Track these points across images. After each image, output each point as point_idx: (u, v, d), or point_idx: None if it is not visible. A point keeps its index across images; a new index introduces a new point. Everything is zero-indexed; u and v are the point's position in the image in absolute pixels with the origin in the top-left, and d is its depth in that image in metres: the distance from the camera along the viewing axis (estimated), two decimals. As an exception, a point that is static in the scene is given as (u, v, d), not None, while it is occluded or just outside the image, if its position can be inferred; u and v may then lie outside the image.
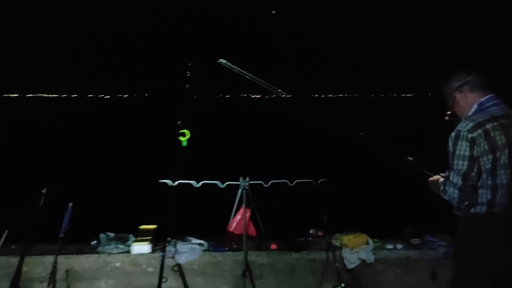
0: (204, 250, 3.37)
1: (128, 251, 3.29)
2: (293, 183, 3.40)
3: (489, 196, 2.12)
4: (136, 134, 20.99)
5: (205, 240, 3.46)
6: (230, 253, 3.36)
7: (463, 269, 2.25)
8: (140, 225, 3.49)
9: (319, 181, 3.43)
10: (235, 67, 2.45)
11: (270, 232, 3.48)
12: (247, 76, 2.51)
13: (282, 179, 3.35)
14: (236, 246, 3.39)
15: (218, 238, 3.52)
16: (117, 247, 3.31)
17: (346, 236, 3.44)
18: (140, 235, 3.39)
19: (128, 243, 3.36)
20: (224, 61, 2.44)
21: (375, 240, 3.48)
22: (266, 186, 3.33)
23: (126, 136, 20.24)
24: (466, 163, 2.13)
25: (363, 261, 3.30)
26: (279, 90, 2.55)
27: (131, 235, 3.48)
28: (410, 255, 3.36)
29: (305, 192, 3.41)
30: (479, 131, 2.11)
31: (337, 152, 12.33)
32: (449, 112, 2.38)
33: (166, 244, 3.18)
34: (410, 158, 2.50)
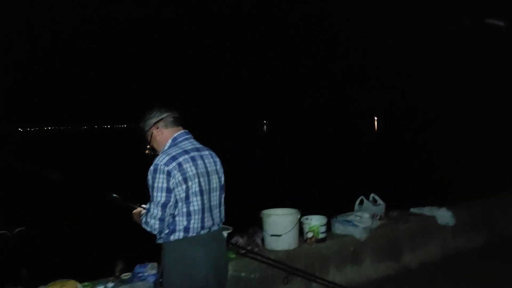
0: None
1: None
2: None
3: (185, 223, 2.38)
4: None
5: None
6: None
7: None
8: None
9: (16, 230, 3.02)
10: None
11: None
12: None
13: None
14: None
15: None
16: None
17: (52, 287, 3.13)
18: None
19: None
20: None
21: (85, 283, 3.30)
22: None
23: None
24: (164, 194, 2.33)
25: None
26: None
27: None
28: (120, 292, 3.33)
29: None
30: (174, 164, 2.35)
31: (35, 195, 11.02)
32: (148, 146, 2.56)
33: None
34: (115, 195, 2.54)
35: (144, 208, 2.48)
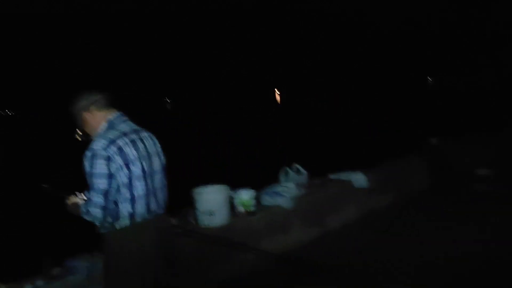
0: None
1: None
2: None
3: (130, 209, 2.27)
4: None
5: None
6: None
7: (115, 283, 2.33)
8: None
9: None
10: None
11: None
12: None
13: None
14: None
15: None
16: None
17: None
18: None
19: None
20: None
21: (10, 285, 3.04)
22: None
23: None
24: (105, 180, 2.20)
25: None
26: None
27: None
28: (51, 288, 3.13)
29: None
30: (113, 148, 2.22)
31: None
32: (80, 131, 2.39)
33: None
34: (45, 185, 2.35)
35: (78, 197, 2.32)
